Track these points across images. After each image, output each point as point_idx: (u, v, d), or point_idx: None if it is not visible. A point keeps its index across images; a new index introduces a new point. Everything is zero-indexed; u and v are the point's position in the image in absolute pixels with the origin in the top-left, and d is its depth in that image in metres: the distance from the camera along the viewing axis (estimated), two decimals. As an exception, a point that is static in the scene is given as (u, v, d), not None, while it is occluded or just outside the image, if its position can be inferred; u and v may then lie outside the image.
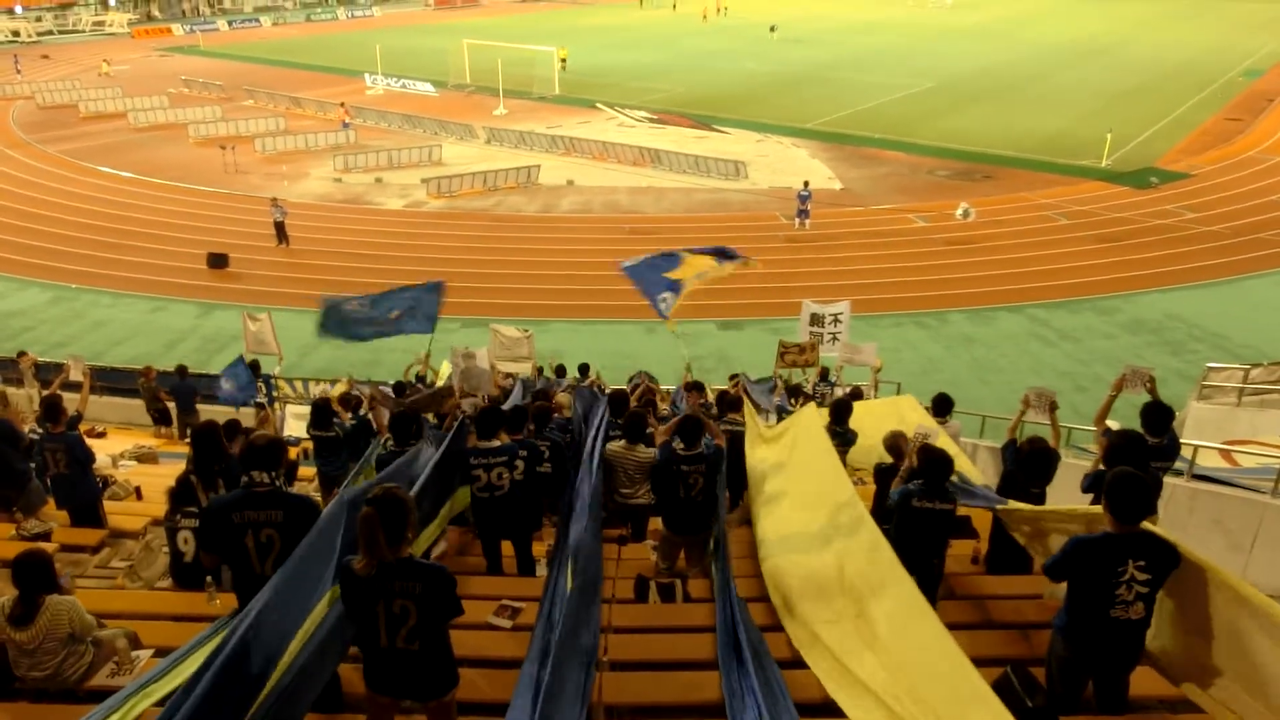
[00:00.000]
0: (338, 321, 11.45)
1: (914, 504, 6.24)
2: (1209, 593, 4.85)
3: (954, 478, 6.41)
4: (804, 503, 7.09)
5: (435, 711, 4.62)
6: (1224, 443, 12.00)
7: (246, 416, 15.13)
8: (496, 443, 7.11)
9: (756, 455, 8.76)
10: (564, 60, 49.61)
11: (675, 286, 10.41)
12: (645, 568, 7.53)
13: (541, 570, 7.32)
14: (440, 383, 13.63)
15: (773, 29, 65.07)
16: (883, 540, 5.76)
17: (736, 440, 8.96)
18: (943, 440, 7.19)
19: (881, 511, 7.02)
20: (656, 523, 7.87)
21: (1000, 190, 31.79)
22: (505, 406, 8.41)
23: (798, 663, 5.57)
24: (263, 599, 4.52)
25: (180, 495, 7.01)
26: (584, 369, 16.10)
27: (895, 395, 13.90)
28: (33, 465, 9.09)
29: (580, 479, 7.41)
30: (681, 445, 7.13)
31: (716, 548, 6.99)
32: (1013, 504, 6.56)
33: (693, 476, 7.08)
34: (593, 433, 8.27)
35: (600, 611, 6.20)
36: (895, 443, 7.68)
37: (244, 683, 4.28)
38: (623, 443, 8.02)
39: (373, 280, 23.37)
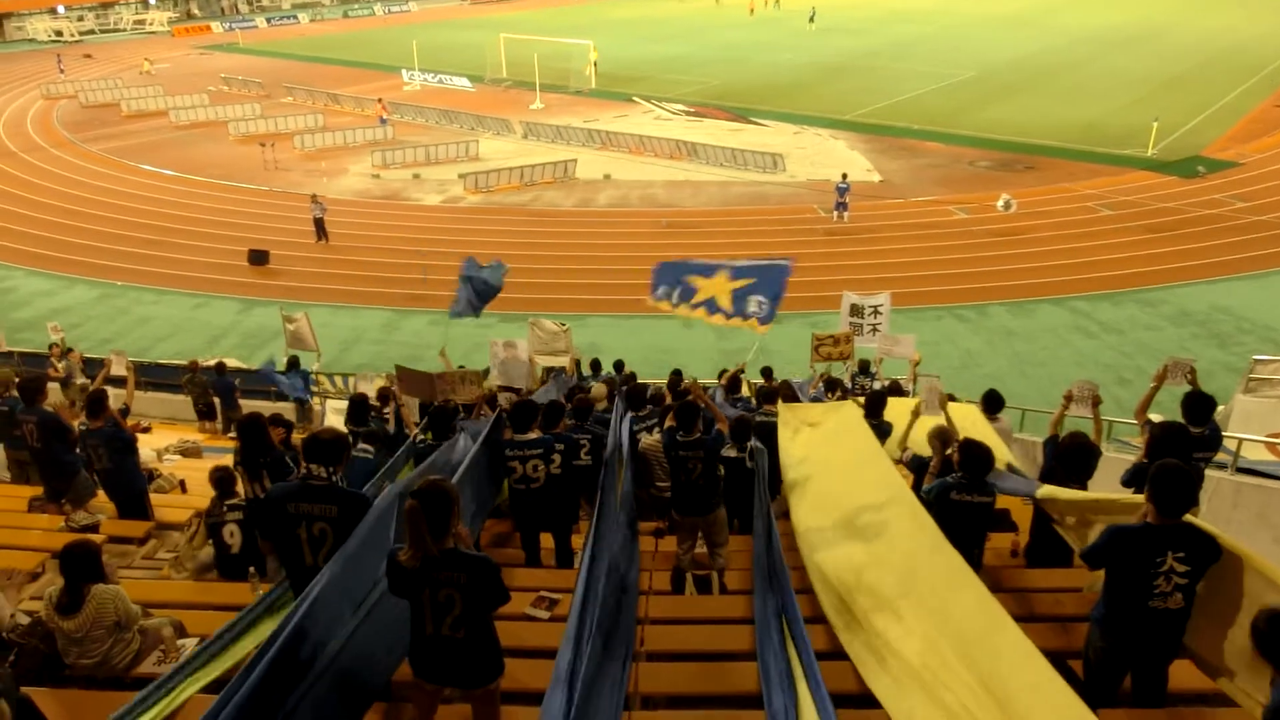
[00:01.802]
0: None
1: (953, 497, 6.27)
2: (1245, 581, 4.76)
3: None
4: (846, 497, 7.06)
5: (481, 699, 4.66)
6: (1270, 435, 11.79)
7: (288, 411, 15.35)
8: (532, 435, 7.15)
9: (794, 445, 8.72)
10: (595, 62, 49.31)
11: (688, 292, 10.17)
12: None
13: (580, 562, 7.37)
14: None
15: (811, 19, 64.53)
16: (929, 520, 5.76)
17: (771, 431, 8.95)
18: (991, 437, 7.11)
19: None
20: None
21: (1042, 181, 31.34)
22: (539, 400, 8.48)
23: (834, 654, 5.56)
24: (319, 586, 4.61)
25: (224, 487, 7.13)
26: (619, 365, 16.11)
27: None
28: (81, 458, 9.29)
29: (615, 473, 7.44)
30: (681, 431, 7.20)
31: (768, 538, 7.01)
32: (1048, 488, 6.47)
33: (691, 461, 7.21)
34: (625, 430, 8.32)
35: (637, 603, 6.24)
36: (941, 437, 7.57)
37: (298, 668, 4.37)
38: (657, 436, 8.05)
39: (412, 275, 23.63)
